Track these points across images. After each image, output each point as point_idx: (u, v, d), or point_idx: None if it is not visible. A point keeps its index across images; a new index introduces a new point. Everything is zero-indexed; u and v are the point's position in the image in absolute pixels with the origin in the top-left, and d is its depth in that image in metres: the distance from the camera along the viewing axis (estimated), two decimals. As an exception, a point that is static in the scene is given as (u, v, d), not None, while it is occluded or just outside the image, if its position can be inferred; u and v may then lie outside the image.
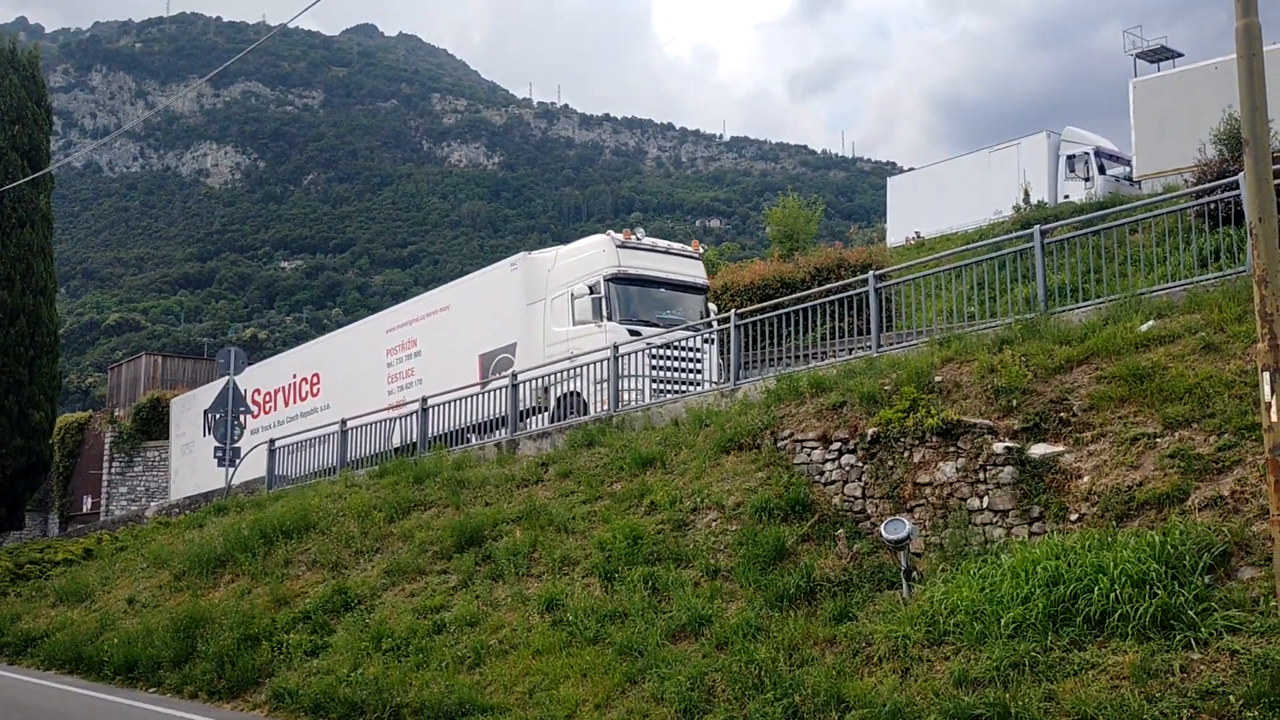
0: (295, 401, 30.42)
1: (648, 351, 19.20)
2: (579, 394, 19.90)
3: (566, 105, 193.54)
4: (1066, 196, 35.91)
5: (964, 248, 20.65)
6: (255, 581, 16.50)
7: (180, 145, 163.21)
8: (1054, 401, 11.40)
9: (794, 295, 18.24)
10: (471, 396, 21.70)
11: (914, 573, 10.66)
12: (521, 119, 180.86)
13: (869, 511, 12.26)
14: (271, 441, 25.74)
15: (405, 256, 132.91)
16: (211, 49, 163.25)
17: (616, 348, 19.02)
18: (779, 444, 13.61)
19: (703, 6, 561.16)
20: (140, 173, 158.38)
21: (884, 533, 10.82)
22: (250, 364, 34.73)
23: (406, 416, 23.16)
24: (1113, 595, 8.20)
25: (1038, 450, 10.90)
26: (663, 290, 22.09)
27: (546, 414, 20.73)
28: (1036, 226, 14.16)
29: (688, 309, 22.28)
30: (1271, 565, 7.75)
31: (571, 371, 19.88)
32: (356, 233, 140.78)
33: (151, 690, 14.81)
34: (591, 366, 19.47)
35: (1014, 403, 11.63)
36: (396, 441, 22.85)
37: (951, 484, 11.45)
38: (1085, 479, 10.29)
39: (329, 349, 30.67)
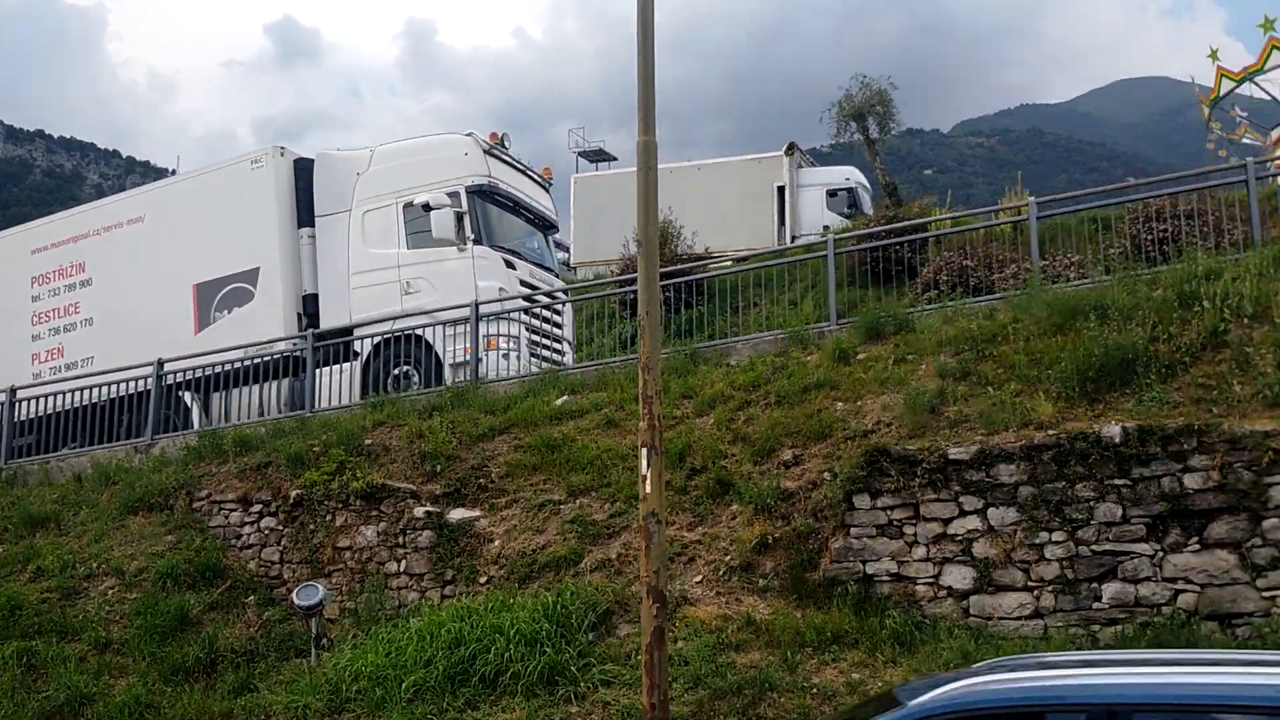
0: None
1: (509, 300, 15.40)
2: (424, 340, 15.33)
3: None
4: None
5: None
6: None
7: None
8: (475, 468, 11.90)
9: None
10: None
11: (324, 640, 10.46)
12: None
13: (286, 577, 11.90)
14: None
15: None
16: None
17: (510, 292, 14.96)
18: (195, 505, 12.79)
19: (166, 32, 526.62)
20: None
21: (296, 599, 10.55)
22: None
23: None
24: (507, 655, 8.64)
25: (456, 515, 11.28)
26: (525, 219, 17.51)
27: (351, 367, 15.64)
28: (472, 303, 14.82)
29: (545, 249, 18.17)
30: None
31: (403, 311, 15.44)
32: None
33: None
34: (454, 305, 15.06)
35: (438, 468, 11.96)
36: None
37: (372, 548, 11.47)
38: (496, 543, 10.81)
39: None
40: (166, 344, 16.64)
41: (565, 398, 13.02)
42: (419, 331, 15.25)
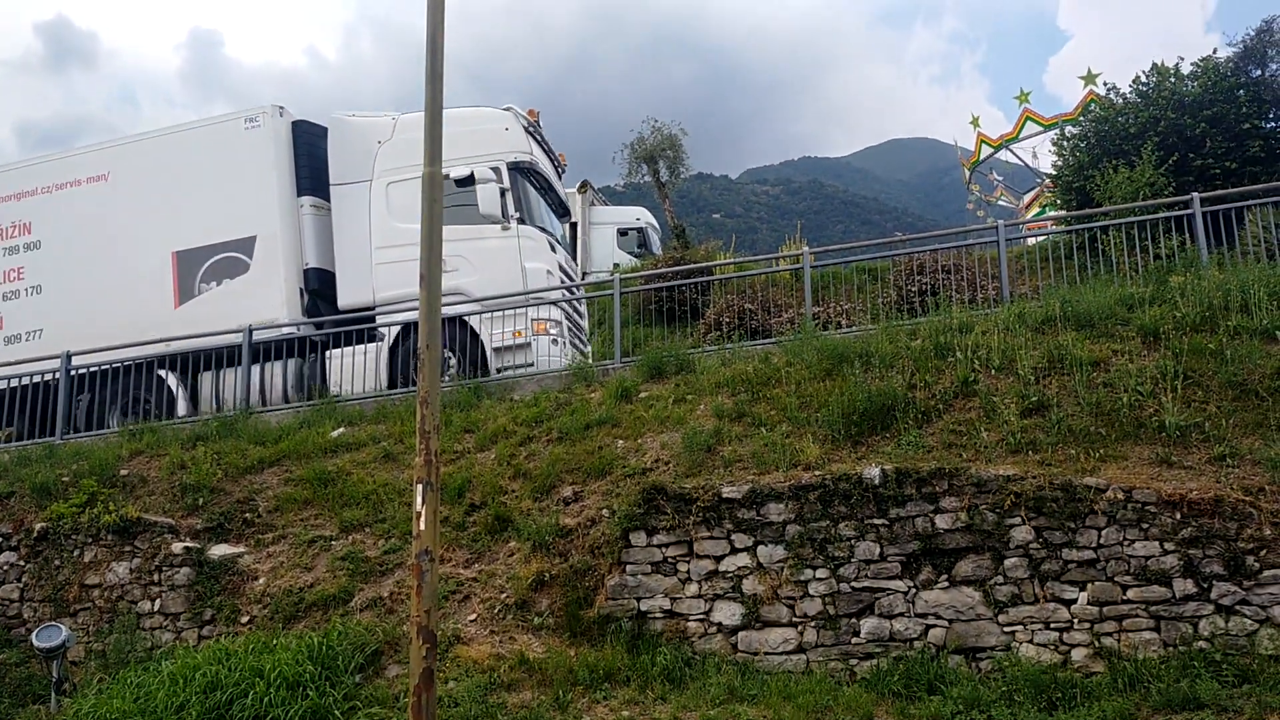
0: None
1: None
2: (467, 324, 14.36)
3: None
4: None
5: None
6: None
7: None
8: (241, 501, 11.36)
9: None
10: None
11: (66, 684, 9.71)
12: None
13: (26, 616, 11.06)
14: None
15: None
16: None
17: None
18: (-79, 538, 11.64)
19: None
20: None
21: (36, 640, 9.80)
22: None
23: None
24: (267, 699, 8.21)
25: (218, 551, 10.73)
26: (550, 203, 16.48)
27: (376, 349, 14.43)
28: (249, 325, 14.26)
29: (565, 236, 17.08)
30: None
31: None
32: None
33: None
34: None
35: (201, 501, 11.37)
36: None
37: (124, 585, 10.77)
38: (261, 581, 10.33)
39: None
40: (140, 316, 15.15)
41: (341, 429, 12.63)
42: (462, 313, 14.38)
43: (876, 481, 8.93)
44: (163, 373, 15.09)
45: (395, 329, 14.74)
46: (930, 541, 8.71)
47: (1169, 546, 8.13)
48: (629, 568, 9.35)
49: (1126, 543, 8.24)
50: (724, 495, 9.30)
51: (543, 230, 15.48)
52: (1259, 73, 18.86)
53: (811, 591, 8.86)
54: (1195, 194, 13.18)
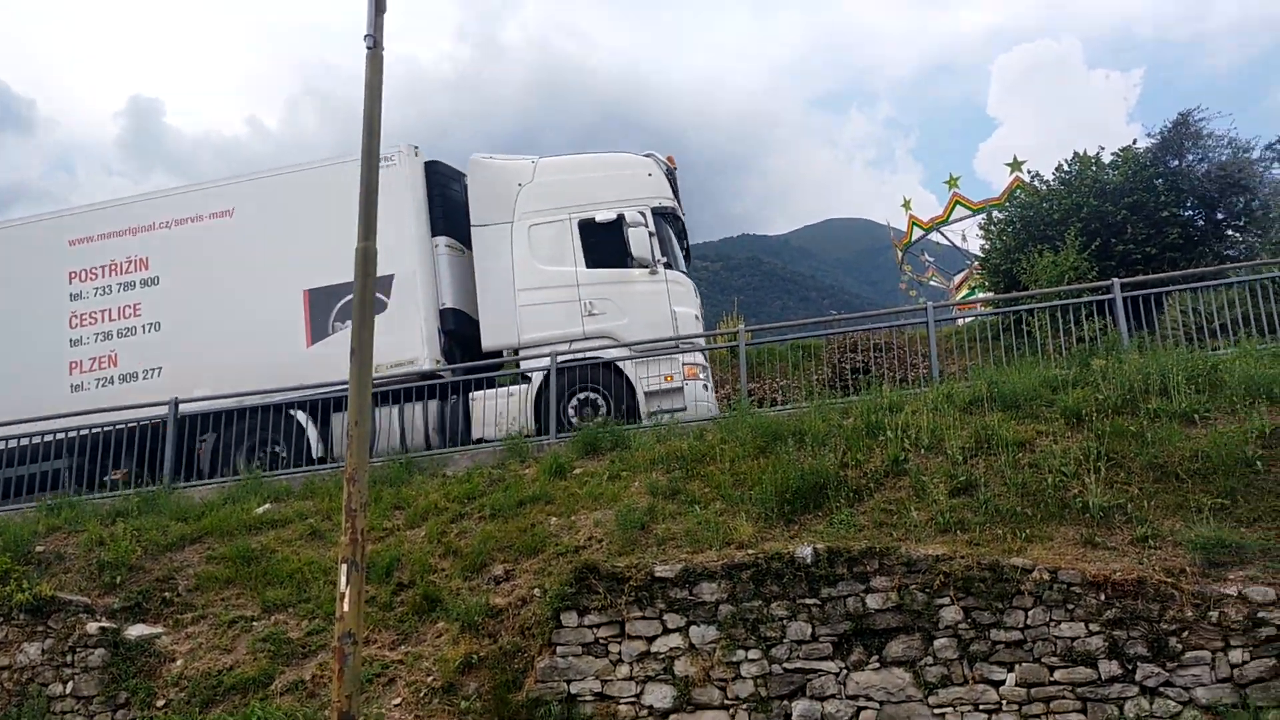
0: None
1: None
2: (619, 370, 14.22)
3: None
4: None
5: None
6: None
7: None
8: (161, 580, 11.04)
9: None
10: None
11: (-33, 775, 9.27)
12: None
13: (-73, 701, 10.53)
14: None
15: None
16: None
17: None
18: None
19: None
20: None
21: (-63, 728, 9.36)
22: None
23: None
24: (180, 789, 7.92)
25: (134, 631, 10.39)
26: (682, 249, 16.28)
27: (523, 391, 14.30)
28: (172, 399, 14.04)
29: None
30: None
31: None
32: None
33: None
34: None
35: (119, 579, 11.03)
36: None
37: (35, 667, 10.38)
38: (179, 662, 10.01)
39: None
40: (270, 356, 14.77)
41: (267, 506, 12.37)
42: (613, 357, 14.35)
43: (809, 561, 8.94)
44: (301, 416, 14.67)
45: (540, 372, 14.54)
46: (861, 621, 8.70)
47: (1094, 627, 8.21)
48: (559, 649, 9.20)
49: (1053, 623, 8.30)
50: (657, 574, 9.23)
51: (686, 274, 15.60)
52: (1176, 163, 19.61)
53: (744, 673, 8.79)
54: (1116, 279, 13.59)
